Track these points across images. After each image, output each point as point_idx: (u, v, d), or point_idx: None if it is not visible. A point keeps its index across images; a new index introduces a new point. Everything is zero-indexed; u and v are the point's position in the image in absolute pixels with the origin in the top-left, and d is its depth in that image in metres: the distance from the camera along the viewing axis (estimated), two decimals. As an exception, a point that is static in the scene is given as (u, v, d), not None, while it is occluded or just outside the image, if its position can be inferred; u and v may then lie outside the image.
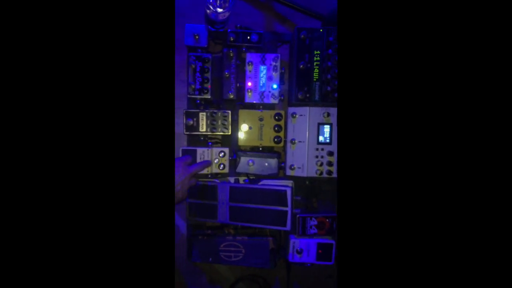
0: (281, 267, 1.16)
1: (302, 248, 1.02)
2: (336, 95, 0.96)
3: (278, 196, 0.94)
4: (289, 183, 0.99)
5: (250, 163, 1.02)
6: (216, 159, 0.99)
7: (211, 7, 0.87)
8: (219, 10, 0.87)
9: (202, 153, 0.98)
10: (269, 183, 0.99)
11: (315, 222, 1.02)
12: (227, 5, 0.87)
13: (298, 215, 1.00)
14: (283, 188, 0.94)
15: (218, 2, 0.84)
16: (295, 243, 1.02)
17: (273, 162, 1.02)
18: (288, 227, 0.93)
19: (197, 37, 0.97)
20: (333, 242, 1.01)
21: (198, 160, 0.98)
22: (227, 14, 0.92)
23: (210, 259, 0.99)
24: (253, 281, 1.17)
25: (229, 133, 1.01)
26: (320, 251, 1.02)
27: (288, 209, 0.93)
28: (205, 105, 1.03)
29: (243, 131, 1.01)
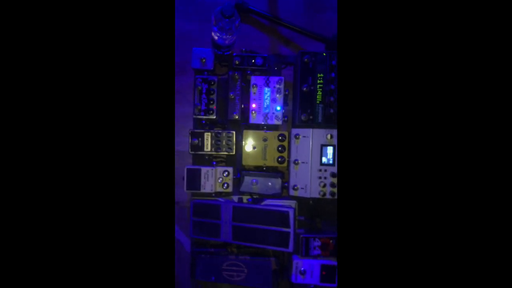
0: (284, 286, 1.15)
1: (305, 269, 1.01)
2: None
3: (281, 217, 0.94)
4: (292, 203, 1.00)
5: (254, 182, 1.03)
6: (220, 178, 1.01)
7: (218, 34, 0.91)
8: (225, 37, 0.91)
9: (206, 172, 1.00)
10: (272, 203, 1.00)
11: (319, 243, 1.02)
12: (232, 32, 0.90)
13: (301, 236, 1.00)
14: (285, 209, 0.94)
15: (223, 30, 0.87)
16: (298, 263, 1.01)
17: (277, 182, 1.03)
18: (290, 248, 0.93)
19: (203, 60, 1.01)
20: (336, 263, 1.00)
21: (202, 179, 1.00)
22: (233, 38, 0.96)
23: (213, 277, 0.99)
24: (256, 301, 1.16)
25: (234, 153, 1.03)
26: (324, 272, 1.01)
27: (291, 230, 0.93)
28: (210, 125, 1.06)
29: (247, 151, 1.03)
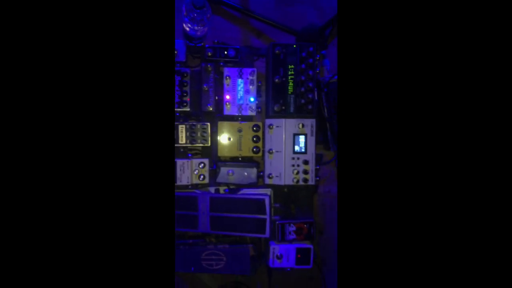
0: (262, 273, 1.19)
1: (282, 254, 1.06)
2: (310, 107, 1.02)
3: (257, 205, 0.98)
4: (268, 191, 1.03)
5: (230, 173, 1.05)
6: (196, 170, 1.01)
7: (189, 25, 0.90)
8: (197, 28, 0.91)
9: (182, 165, 1.00)
10: (249, 192, 1.03)
11: (294, 228, 1.07)
12: (204, 23, 0.90)
13: (277, 222, 1.04)
14: (261, 197, 0.97)
15: (195, 21, 0.87)
16: (275, 249, 1.05)
17: (252, 171, 1.05)
18: (267, 234, 0.97)
19: (175, 52, 1.00)
20: (311, 246, 1.06)
21: (179, 171, 1.00)
22: (204, 30, 0.96)
23: (192, 268, 1.01)
24: (235, 288, 1.19)
25: (209, 145, 1.04)
26: (299, 255, 1.06)
27: (267, 217, 0.97)
28: (184, 117, 1.06)
29: (222, 142, 1.04)
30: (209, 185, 1.06)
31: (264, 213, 0.97)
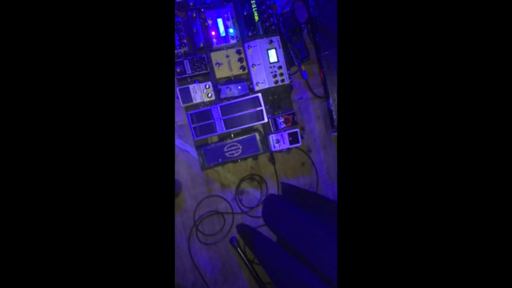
0: (268, 165, 1.61)
1: (278, 139, 1.47)
2: (273, 27, 1.41)
3: (254, 102, 1.37)
4: (258, 94, 1.43)
5: (228, 89, 1.42)
6: (204, 90, 1.38)
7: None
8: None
9: (193, 88, 1.36)
10: (246, 97, 1.42)
11: (282, 119, 1.48)
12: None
13: (269, 118, 1.45)
14: (256, 95, 1.37)
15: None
16: (272, 137, 1.46)
17: (244, 85, 1.44)
18: (265, 119, 1.37)
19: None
20: (297, 130, 1.48)
21: (192, 94, 1.36)
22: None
23: (220, 159, 1.39)
24: (252, 179, 1.60)
25: (207, 71, 1.40)
26: (290, 138, 1.48)
27: (262, 107, 1.37)
28: (185, 55, 1.41)
29: (216, 68, 1.41)
30: (215, 101, 1.43)
31: (260, 106, 1.37)
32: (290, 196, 1.50)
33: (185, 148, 1.51)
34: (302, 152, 1.67)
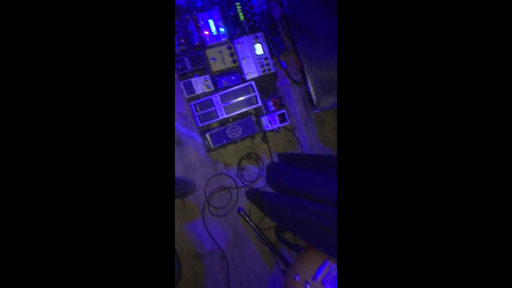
0: (262, 144, 1.86)
1: (269, 120, 1.73)
2: (257, 25, 1.65)
3: (248, 88, 1.61)
4: (252, 81, 1.67)
5: (224, 80, 1.65)
6: (203, 82, 1.59)
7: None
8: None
9: (195, 81, 1.57)
10: (240, 85, 1.66)
11: (271, 103, 1.74)
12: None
13: (260, 103, 1.70)
14: (249, 83, 1.61)
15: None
16: (265, 118, 1.72)
17: (237, 75, 1.68)
18: (259, 103, 1.62)
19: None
20: (284, 111, 1.75)
21: (195, 86, 1.56)
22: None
23: (224, 140, 1.61)
24: (249, 157, 1.84)
25: (204, 66, 1.61)
26: (279, 118, 1.75)
27: (256, 93, 1.62)
28: (184, 53, 1.60)
29: (212, 62, 1.62)
30: (212, 92, 1.64)
31: (253, 92, 1.62)
32: (288, 161, 1.76)
33: (191, 135, 1.71)
34: (288, 131, 1.96)
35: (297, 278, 1.21)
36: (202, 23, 1.59)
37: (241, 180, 1.80)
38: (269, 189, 1.73)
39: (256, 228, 1.72)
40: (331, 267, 1.16)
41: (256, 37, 1.67)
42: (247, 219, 1.72)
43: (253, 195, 1.71)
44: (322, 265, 1.17)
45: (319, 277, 1.16)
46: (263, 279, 1.75)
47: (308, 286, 1.15)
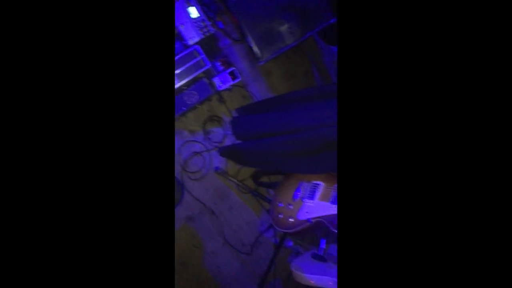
0: (219, 106, 1.95)
1: (221, 80, 1.82)
2: None
3: (193, 54, 1.67)
4: (197, 45, 1.72)
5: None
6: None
7: None
8: None
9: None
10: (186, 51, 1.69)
11: (219, 63, 1.82)
12: None
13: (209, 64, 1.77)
14: (193, 48, 1.67)
15: None
16: (217, 79, 1.80)
17: (180, 43, 1.71)
18: (208, 65, 1.70)
19: None
20: (233, 68, 1.84)
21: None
22: None
23: (184, 108, 1.69)
24: (212, 120, 1.94)
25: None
26: (231, 76, 1.84)
27: (202, 56, 1.68)
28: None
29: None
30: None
31: (200, 55, 1.68)
32: (248, 112, 1.87)
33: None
34: (241, 88, 2.07)
35: (280, 204, 1.40)
36: None
37: (209, 143, 1.91)
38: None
39: (236, 181, 1.87)
40: (305, 186, 1.37)
41: (188, 1, 1.69)
42: (227, 175, 1.86)
43: (227, 151, 1.83)
44: (298, 186, 1.38)
45: (298, 197, 1.36)
46: (252, 222, 1.95)
47: (291, 207, 1.35)
